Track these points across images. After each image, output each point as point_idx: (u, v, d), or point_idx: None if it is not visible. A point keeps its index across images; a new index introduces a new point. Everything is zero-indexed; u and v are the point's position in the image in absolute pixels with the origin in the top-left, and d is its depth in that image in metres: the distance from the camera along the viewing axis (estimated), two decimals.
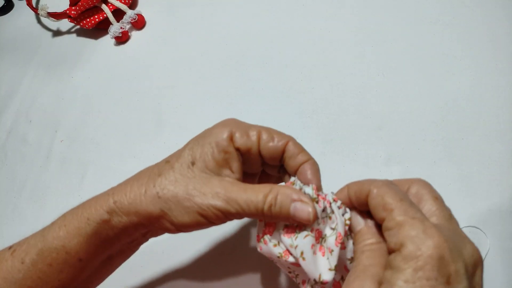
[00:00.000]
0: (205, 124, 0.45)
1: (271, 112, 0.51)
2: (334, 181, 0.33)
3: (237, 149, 0.31)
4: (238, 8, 0.60)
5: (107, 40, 0.62)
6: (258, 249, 0.31)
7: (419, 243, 0.23)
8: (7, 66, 0.65)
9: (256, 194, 0.28)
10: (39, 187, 0.53)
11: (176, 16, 0.62)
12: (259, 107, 0.51)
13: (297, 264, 0.29)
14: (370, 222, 0.28)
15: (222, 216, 0.28)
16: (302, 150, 0.32)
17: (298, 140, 0.48)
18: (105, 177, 0.51)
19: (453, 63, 0.49)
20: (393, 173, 0.44)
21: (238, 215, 0.29)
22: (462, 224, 0.40)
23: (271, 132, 0.32)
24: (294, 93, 0.51)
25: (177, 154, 0.31)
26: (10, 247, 0.32)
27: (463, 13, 0.52)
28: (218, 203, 0.28)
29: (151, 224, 0.30)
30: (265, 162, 0.33)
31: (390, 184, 0.27)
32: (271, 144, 0.31)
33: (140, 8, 0.63)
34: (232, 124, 0.32)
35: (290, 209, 0.28)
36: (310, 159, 0.31)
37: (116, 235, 0.30)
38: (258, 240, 0.31)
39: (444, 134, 0.45)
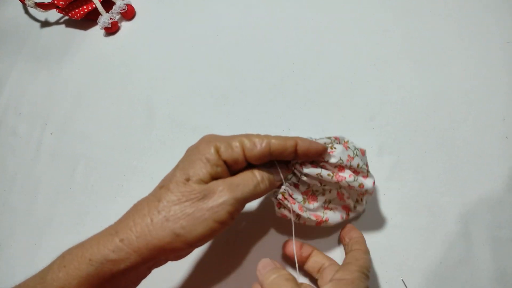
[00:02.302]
0: (197, 116, 0.45)
1: (263, 104, 0.50)
2: None
3: (224, 162, 0.32)
4: None
5: (97, 31, 0.62)
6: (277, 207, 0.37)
7: None
8: None
9: (247, 175, 0.33)
10: (30, 180, 0.52)
11: (167, 6, 0.61)
12: (251, 98, 0.51)
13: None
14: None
15: (234, 210, 0.30)
16: (285, 141, 0.33)
17: (291, 131, 0.48)
18: (96, 170, 0.51)
19: (445, 54, 0.49)
20: (385, 164, 0.44)
21: (244, 200, 0.31)
22: (453, 215, 0.41)
23: (251, 138, 0.33)
24: (286, 84, 0.51)
25: (169, 178, 0.32)
26: None
27: (455, 4, 0.52)
28: (225, 196, 0.30)
29: (162, 253, 0.30)
30: (251, 164, 0.34)
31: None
32: (255, 150, 0.32)
33: None
34: (214, 139, 0.33)
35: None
36: (296, 140, 0.33)
37: (121, 273, 0.30)
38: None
39: (435, 125, 0.45)
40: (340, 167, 0.36)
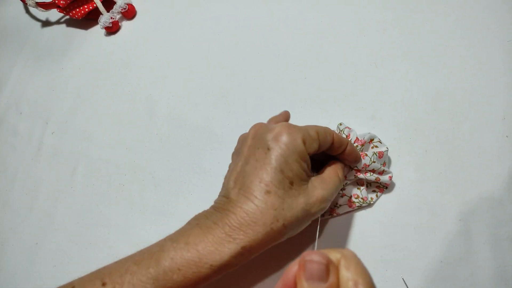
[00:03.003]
0: (197, 115, 0.45)
1: (263, 102, 0.51)
2: None
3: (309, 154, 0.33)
4: None
5: (97, 31, 0.62)
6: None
7: None
8: None
9: (331, 174, 0.35)
10: (31, 179, 0.52)
11: (167, 5, 0.61)
12: (251, 97, 0.51)
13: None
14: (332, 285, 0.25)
15: (323, 209, 0.33)
16: (341, 139, 0.36)
17: None
18: (97, 169, 0.51)
19: (445, 53, 0.49)
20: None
21: (330, 199, 0.34)
22: (453, 214, 0.41)
23: (322, 130, 0.35)
24: (286, 83, 0.51)
25: (274, 183, 0.31)
26: None
27: (455, 2, 0.52)
28: (324, 204, 0.33)
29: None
30: None
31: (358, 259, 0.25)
32: (327, 142, 0.35)
33: None
34: (298, 131, 0.33)
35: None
36: (348, 142, 0.37)
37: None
38: None
39: (435, 123, 0.45)
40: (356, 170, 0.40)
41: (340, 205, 0.42)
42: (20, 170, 0.53)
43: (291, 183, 0.32)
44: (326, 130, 0.35)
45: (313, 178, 0.34)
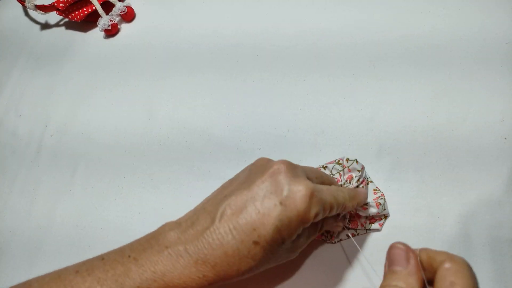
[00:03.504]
0: (196, 117, 0.45)
1: (262, 105, 0.51)
2: None
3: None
4: (228, 0, 0.59)
5: (97, 33, 0.62)
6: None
7: None
8: None
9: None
10: (30, 182, 0.52)
11: (166, 8, 0.61)
12: (250, 99, 0.51)
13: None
14: (411, 269, 0.27)
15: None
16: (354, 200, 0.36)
17: (290, 133, 0.48)
18: (96, 172, 0.51)
19: (444, 55, 0.49)
20: (384, 164, 0.44)
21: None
22: (452, 216, 0.41)
23: (337, 198, 0.33)
24: (285, 85, 0.51)
25: (271, 239, 0.29)
26: None
27: (454, 3, 0.52)
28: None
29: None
30: None
31: (468, 267, 0.25)
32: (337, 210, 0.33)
33: (130, 0, 0.62)
34: (309, 193, 0.29)
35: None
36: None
37: None
38: None
39: (434, 125, 0.45)
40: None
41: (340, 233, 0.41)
42: (20, 172, 0.53)
43: (283, 241, 0.29)
44: (341, 197, 0.33)
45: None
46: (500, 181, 0.42)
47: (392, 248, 0.28)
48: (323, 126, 0.48)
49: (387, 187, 0.43)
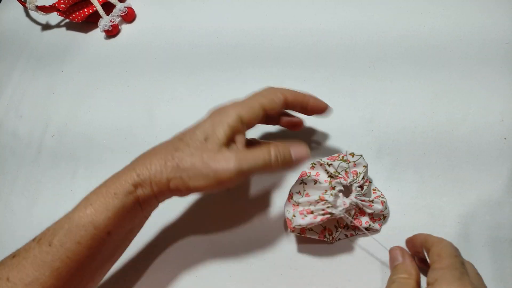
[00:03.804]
0: (197, 118, 0.45)
1: None
2: None
3: (246, 125, 0.36)
4: (229, 1, 0.60)
5: (97, 34, 0.62)
6: (291, 231, 0.39)
7: (450, 286, 0.29)
8: None
9: (262, 151, 0.35)
10: (31, 182, 0.52)
11: (167, 8, 0.62)
12: None
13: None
14: (408, 261, 0.36)
15: (235, 177, 0.33)
16: (297, 94, 0.40)
17: (290, 132, 0.48)
18: (97, 172, 0.51)
19: (443, 55, 0.49)
20: (384, 165, 0.44)
21: (249, 172, 0.34)
22: (452, 216, 0.41)
23: (267, 98, 0.38)
24: (285, 85, 0.51)
25: (190, 133, 0.36)
26: (34, 239, 0.34)
27: (453, 4, 0.52)
28: (232, 165, 0.33)
29: (169, 190, 0.35)
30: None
31: (452, 245, 0.33)
32: (274, 105, 0.38)
33: (130, 1, 0.62)
34: (235, 106, 0.37)
35: (291, 154, 0.36)
36: (308, 96, 0.40)
37: (140, 205, 0.35)
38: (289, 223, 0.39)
39: (433, 125, 0.46)
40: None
41: (313, 230, 0.40)
42: (20, 173, 0.53)
43: (205, 139, 0.35)
44: (274, 94, 0.38)
45: (233, 152, 0.35)
46: (499, 181, 0.42)
47: (390, 251, 0.38)
48: (322, 127, 0.48)
49: (387, 187, 0.43)
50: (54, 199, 0.50)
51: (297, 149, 0.36)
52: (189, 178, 0.34)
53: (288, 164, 0.36)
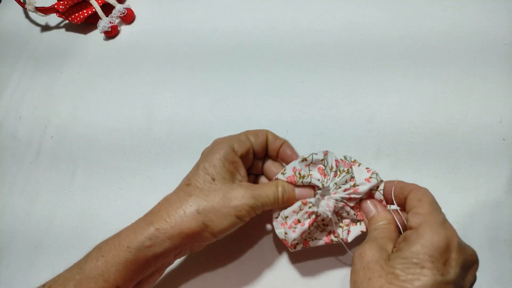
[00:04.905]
0: (196, 119, 0.45)
1: (261, 106, 0.51)
2: None
3: (240, 157, 0.37)
4: (228, 1, 0.60)
5: (97, 35, 0.62)
6: (292, 249, 0.38)
7: (435, 230, 0.29)
8: None
9: (272, 189, 0.36)
10: (30, 183, 0.52)
11: (166, 10, 0.62)
12: (249, 101, 0.51)
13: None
14: (380, 209, 0.36)
15: (252, 212, 0.34)
16: (276, 137, 0.40)
17: (289, 134, 0.48)
18: (96, 174, 0.51)
19: (442, 56, 0.49)
20: (383, 165, 0.44)
21: (262, 207, 0.35)
22: (451, 217, 0.41)
23: (252, 133, 0.39)
24: (284, 86, 0.51)
25: (194, 175, 0.36)
26: (44, 285, 0.34)
27: (452, 5, 0.52)
28: (249, 201, 0.34)
29: (191, 241, 0.34)
30: (255, 157, 0.40)
31: (430, 193, 0.34)
32: (259, 140, 0.39)
33: (129, 2, 0.62)
34: (225, 140, 0.38)
35: (295, 194, 0.37)
36: (285, 141, 0.39)
37: (154, 259, 0.34)
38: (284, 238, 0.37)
39: (432, 126, 0.46)
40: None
41: (316, 238, 0.38)
42: (20, 174, 0.53)
43: (213, 179, 0.35)
44: (258, 131, 0.39)
45: (244, 182, 0.36)
46: (498, 182, 0.42)
47: (362, 206, 0.38)
48: (322, 127, 0.48)
49: None
50: (53, 200, 0.50)
51: (302, 191, 0.37)
52: (212, 222, 0.33)
53: (291, 202, 0.36)
